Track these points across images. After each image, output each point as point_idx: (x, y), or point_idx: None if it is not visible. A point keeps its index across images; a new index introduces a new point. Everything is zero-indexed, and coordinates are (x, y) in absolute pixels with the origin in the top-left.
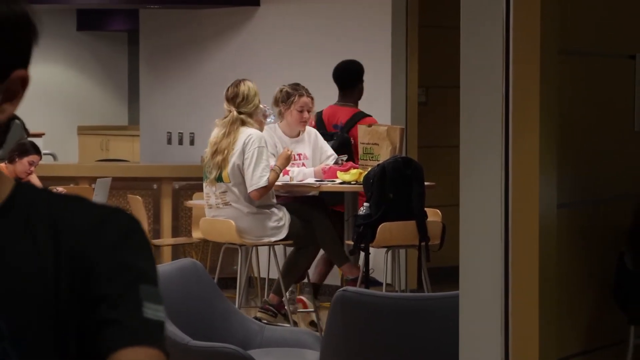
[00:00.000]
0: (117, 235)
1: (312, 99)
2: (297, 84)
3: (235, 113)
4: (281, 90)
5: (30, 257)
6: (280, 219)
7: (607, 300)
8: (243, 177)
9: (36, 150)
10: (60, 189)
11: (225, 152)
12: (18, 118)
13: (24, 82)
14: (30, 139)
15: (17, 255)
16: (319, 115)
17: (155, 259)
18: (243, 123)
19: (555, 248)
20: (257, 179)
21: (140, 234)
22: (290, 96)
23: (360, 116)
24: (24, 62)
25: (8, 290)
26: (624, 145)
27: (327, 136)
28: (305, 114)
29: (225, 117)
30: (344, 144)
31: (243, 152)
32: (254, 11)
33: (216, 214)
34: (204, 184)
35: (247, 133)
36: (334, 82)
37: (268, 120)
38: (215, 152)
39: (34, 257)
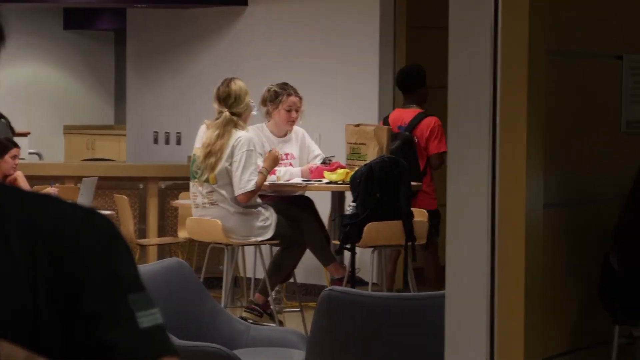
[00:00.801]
0: (103, 242)
1: (300, 98)
2: (285, 84)
3: (227, 114)
4: (269, 90)
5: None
6: (267, 218)
7: (592, 300)
8: (230, 179)
9: (13, 143)
10: (53, 189)
11: (219, 154)
12: (4, 117)
13: None
14: (15, 138)
15: None
16: (386, 119)
17: (134, 260)
18: (235, 125)
19: (541, 248)
20: (245, 182)
21: (121, 237)
22: (278, 95)
23: (423, 116)
24: None
25: None
26: (610, 145)
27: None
28: (293, 114)
29: (217, 119)
30: (407, 143)
31: (231, 154)
32: (242, 11)
33: (203, 214)
34: (191, 183)
35: (236, 136)
36: (397, 87)
37: (252, 113)
38: (208, 154)
39: (4, 258)
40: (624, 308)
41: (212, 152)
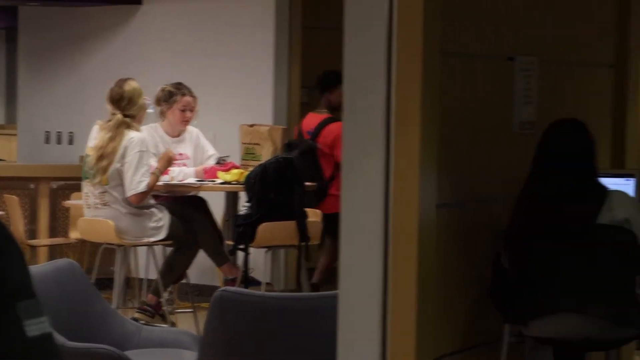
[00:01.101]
0: None
1: (194, 98)
2: (180, 83)
3: (120, 117)
4: (163, 90)
5: None
6: (160, 219)
7: (484, 300)
8: (122, 180)
9: None
10: None
11: (111, 156)
12: None
13: None
14: None
15: None
16: (300, 124)
17: (27, 264)
18: (128, 127)
19: (435, 248)
20: (136, 183)
21: (12, 241)
22: (172, 95)
23: (327, 122)
24: None
25: None
26: (503, 146)
27: (294, 144)
28: (188, 114)
29: (109, 121)
30: (306, 152)
31: (123, 155)
32: (136, 10)
33: (95, 214)
34: (83, 184)
35: (129, 137)
36: None
37: (148, 111)
38: (100, 157)
39: None
40: (514, 307)
41: (104, 155)
